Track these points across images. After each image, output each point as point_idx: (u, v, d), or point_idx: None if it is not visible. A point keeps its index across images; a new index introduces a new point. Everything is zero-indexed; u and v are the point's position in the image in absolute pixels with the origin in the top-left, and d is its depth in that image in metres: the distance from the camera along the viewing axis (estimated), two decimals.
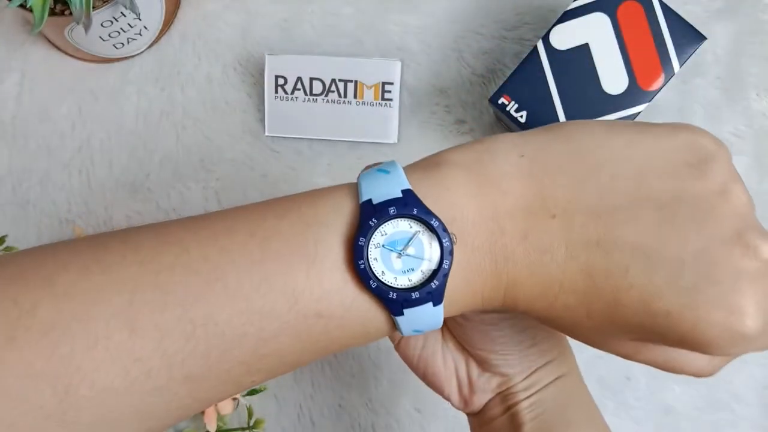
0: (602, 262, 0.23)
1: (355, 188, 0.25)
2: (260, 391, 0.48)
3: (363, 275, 0.23)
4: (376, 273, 0.23)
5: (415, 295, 0.23)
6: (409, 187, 0.24)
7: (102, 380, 0.21)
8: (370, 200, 0.23)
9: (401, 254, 0.24)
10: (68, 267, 0.23)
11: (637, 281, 0.23)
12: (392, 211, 0.23)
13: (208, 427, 0.45)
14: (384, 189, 0.24)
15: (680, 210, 0.23)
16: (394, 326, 0.25)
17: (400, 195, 0.23)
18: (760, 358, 0.50)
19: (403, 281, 0.23)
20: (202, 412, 0.46)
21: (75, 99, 0.53)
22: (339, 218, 0.24)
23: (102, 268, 0.23)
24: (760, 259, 0.23)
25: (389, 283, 0.23)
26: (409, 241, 0.24)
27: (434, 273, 0.23)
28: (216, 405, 0.46)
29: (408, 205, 0.23)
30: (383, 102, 0.51)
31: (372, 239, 0.23)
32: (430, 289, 0.23)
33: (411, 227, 0.24)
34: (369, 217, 0.23)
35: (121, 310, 0.22)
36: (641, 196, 0.23)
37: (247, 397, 0.48)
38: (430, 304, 0.23)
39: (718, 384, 0.50)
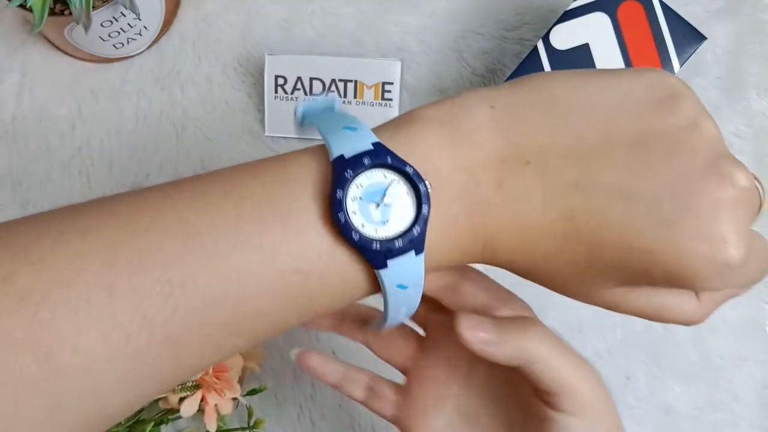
0: (580, 204, 0.23)
1: (323, 149, 0.25)
2: (260, 391, 0.48)
3: (344, 227, 0.23)
4: (356, 225, 0.23)
5: (398, 243, 0.23)
6: (378, 140, 0.24)
7: (83, 346, 0.21)
8: (342, 156, 0.23)
9: (379, 205, 0.23)
10: (45, 235, 0.23)
11: (616, 219, 0.23)
12: (366, 161, 0.23)
13: (208, 427, 0.45)
14: (354, 144, 0.24)
15: (654, 146, 0.23)
16: (375, 284, 0.24)
17: (372, 147, 0.23)
18: (760, 356, 0.50)
19: (383, 232, 0.23)
20: (202, 412, 0.46)
21: (75, 99, 0.53)
22: (311, 176, 0.24)
23: (78, 234, 0.22)
24: (736, 186, 0.23)
25: (370, 235, 0.23)
26: (386, 190, 0.24)
27: (414, 220, 0.23)
28: (216, 405, 0.46)
29: (381, 155, 0.23)
30: (383, 102, 0.51)
31: (348, 192, 0.23)
32: (412, 237, 0.23)
33: (386, 177, 0.24)
34: (344, 169, 0.23)
35: (98, 275, 0.22)
36: (614, 136, 0.24)
37: (247, 397, 0.48)
38: (412, 252, 0.23)
39: (718, 384, 0.50)
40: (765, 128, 0.51)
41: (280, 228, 0.23)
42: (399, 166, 0.23)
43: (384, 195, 0.24)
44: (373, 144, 0.24)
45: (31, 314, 0.21)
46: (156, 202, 0.24)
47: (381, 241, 0.23)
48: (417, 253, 0.23)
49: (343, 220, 0.23)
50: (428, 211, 0.23)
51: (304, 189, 0.24)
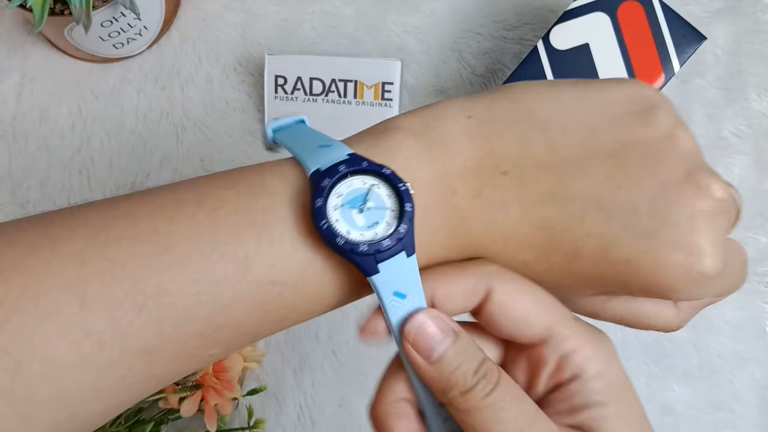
0: (557, 214, 0.23)
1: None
2: (260, 391, 0.48)
3: (328, 235, 0.22)
4: (341, 232, 0.23)
5: (387, 243, 0.23)
6: (352, 151, 0.24)
7: (54, 355, 0.21)
8: (318, 169, 0.23)
9: (362, 210, 0.23)
10: (15, 243, 0.22)
11: (593, 230, 0.23)
12: (342, 168, 0.23)
13: (208, 427, 0.45)
14: (329, 157, 0.24)
15: (630, 157, 0.23)
16: (354, 292, 0.24)
17: (347, 157, 0.23)
18: (760, 356, 0.50)
19: (370, 235, 0.23)
20: (202, 412, 0.46)
21: (75, 99, 0.53)
22: (287, 186, 0.24)
23: (49, 243, 0.22)
24: (713, 197, 0.23)
25: (356, 239, 0.23)
26: (366, 195, 0.23)
27: (399, 220, 0.23)
28: (216, 405, 0.46)
29: (357, 162, 0.23)
30: (383, 102, 0.51)
31: (329, 202, 0.23)
32: (400, 235, 0.23)
33: (365, 183, 0.24)
34: (320, 180, 0.23)
35: (70, 284, 0.22)
36: (591, 147, 0.24)
37: (247, 397, 0.48)
38: (403, 254, 0.23)
39: (718, 384, 0.50)
40: (765, 128, 0.51)
41: (255, 238, 0.23)
42: (376, 169, 0.23)
43: (365, 200, 0.23)
44: (348, 155, 0.24)
45: (0, 324, 0.21)
46: (129, 211, 0.23)
47: (369, 243, 0.23)
48: (408, 255, 0.23)
49: (325, 227, 0.22)
50: (412, 209, 0.23)
51: (279, 199, 0.24)
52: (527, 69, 0.45)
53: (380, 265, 0.23)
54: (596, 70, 0.45)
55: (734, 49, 0.52)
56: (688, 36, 0.44)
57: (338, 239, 0.22)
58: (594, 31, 0.45)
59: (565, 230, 0.23)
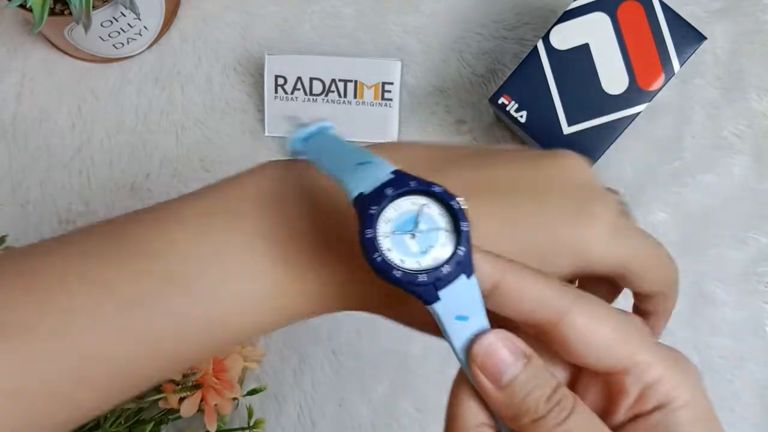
0: (488, 206, 0.25)
1: (273, 171, 0.26)
2: (260, 391, 0.48)
3: (383, 268, 0.21)
4: (395, 262, 0.21)
5: (446, 269, 0.21)
6: (396, 167, 0.22)
7: None
8: (361, 194, 0.22)
9: (414, 234, 0.22)
10: None
11: (524, 213, 0.25)
12: (389, 192, 0.21)
13: (208, 427, 0.45)
14: (372, 177, 0.22)
15: (515, 153, 0.28)
16: (316, 305, 0.25)
17: (393, 176, 0.22)
18: (760, 356, 0.50)
19: (427, 261, 0.21)
20: (202, 412, 0.46)
21: (75, 99, 0.53)
22: (236, 221, 0.25)
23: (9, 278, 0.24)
24: (605, 194, 0.27)
25: (413, 268, 0.21)
26: (418, 217, 0.22)
27: (457, 241, 0.22)
28: (216, 405, 0.46)
29: (404, 182, 0.22)
30: (383, 102, 0.51)
31: (379, 229, 0.21)
32: (459, 259, 0.21)
33: (414, 204, 0.22)
34: (367, 207, 0.21)
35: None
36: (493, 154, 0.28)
37: (247, 397, 0.48)
38: (463, 277, 0.21)
39: (718, 384, 0.50)
40: (765, 128, 0.51)
41: (208, 277, 0.24)
42: (425, 189, 0.22)
43: (417, 222, 0.22)
44: (393, 173, 0.22)
45: None
46: (83, 251, 0.24)
47: (427, 272, 0.21)
48: (468, 276, 0.21)
49: (379, 260, 0.21)
50: (468, 228, 0.21)
51: (229, 234, 0.24)
52: (527, 69, 0.45)
53: (440, 292, 0.21)
54: (596, 70, 0.45)
55: (734, 49, 0.52)
56: (688, 36, 0.44)
57: (395, 272, 0.21)
58: (594, 31, 0.45)
59: (511, 222, 0.25)
